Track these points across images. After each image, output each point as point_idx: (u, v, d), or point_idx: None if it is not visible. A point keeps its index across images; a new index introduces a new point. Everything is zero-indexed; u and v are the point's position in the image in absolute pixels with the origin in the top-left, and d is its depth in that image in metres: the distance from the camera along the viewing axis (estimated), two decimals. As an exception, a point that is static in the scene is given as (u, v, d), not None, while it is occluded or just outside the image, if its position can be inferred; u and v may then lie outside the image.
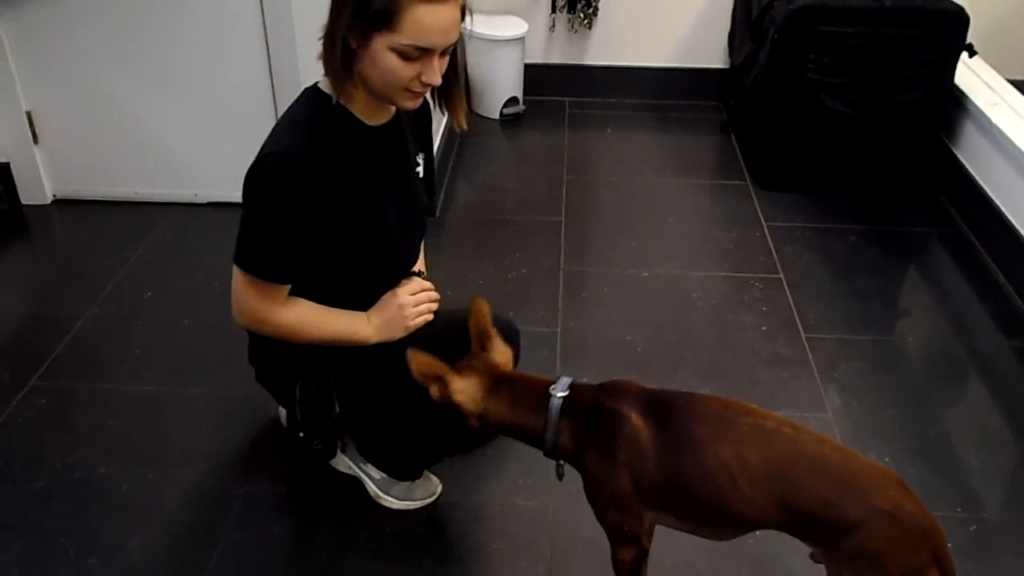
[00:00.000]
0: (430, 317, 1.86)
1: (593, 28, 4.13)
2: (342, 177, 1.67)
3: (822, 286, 2.95)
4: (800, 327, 2.73)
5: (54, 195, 3.34)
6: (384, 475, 2.10)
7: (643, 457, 1.50)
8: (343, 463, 2.15)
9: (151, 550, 2.00)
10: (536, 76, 4.17)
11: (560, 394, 1.57)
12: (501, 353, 1.66)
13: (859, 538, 1.40)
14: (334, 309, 1.81)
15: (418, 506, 2.09)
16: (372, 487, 2.11)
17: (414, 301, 1.85)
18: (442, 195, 3.37)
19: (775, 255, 3.09)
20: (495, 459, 2.24)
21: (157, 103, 3.15)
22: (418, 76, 1.60)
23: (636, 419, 1.51)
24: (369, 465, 2.11)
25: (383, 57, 1.56)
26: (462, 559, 1.99)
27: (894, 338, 2.75)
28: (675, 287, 2.93)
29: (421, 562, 1.98)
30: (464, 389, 1.59)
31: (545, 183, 3.55)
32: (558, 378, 1.60)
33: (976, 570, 1.99)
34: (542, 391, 1.59)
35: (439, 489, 2.13)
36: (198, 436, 2.28)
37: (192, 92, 3.11)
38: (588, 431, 1.55)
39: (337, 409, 1.87)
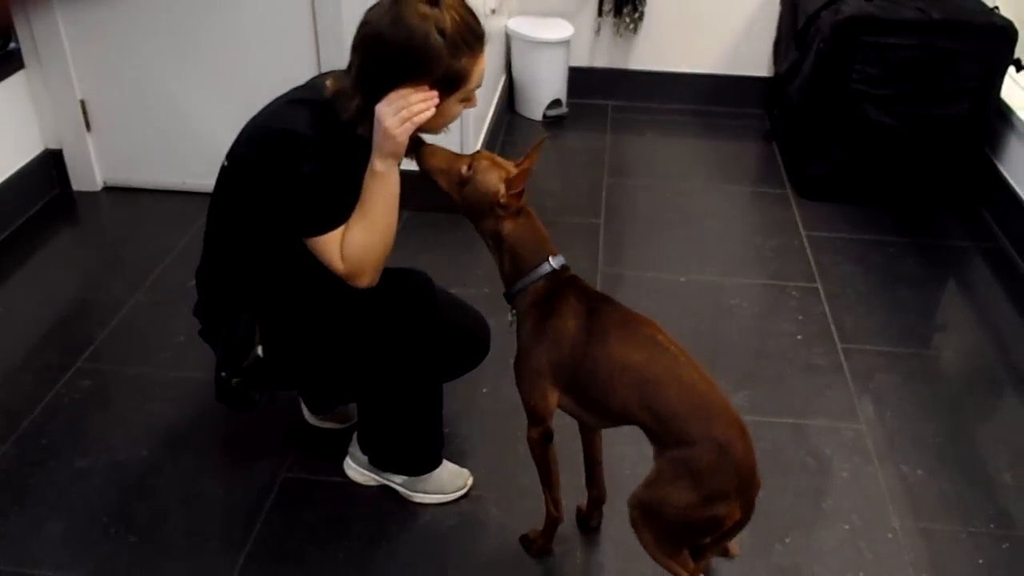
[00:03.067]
0: (427, 114, 1.70)
1: (638, 33, 4.14)
2: (339, 162, 1.76)
3: (860, 297, 2.94)
4: (836, 337, 2.73)
5: (104, 182, 3.42)
6: (405, 476, 2.13)
7: (562, 339, 1.72)
8: (366, 477, 2.17)
9: (189, 531, 2.05)
10: (580, 79, 4.19)
11: (555, 264, 1.76)
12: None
13: (689, 452, 1.62)
14: (356, 201, 1.79)
15: (450, 499, 2.12)
16: (401, 490, 2.14)
17: (394, 117, 1.69)
18: (482, 194, 3.40)
19: (813, 264, 3.09)
20: (526, 455, 2.26)
21: (207, 95, 3.21)
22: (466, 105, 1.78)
23: (573, 306, 1.74)
24: (388, 472, 2.14)
25: (454, 108, 1.76)
26: (493, 551, 2.02)
27: (931, 351, 2.74)
28: (712, 293, 2.94)
29: (452, 553, 2.01)
30: (514, 183, 1.73)
31: (585, 185, 3.57)
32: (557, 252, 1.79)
33: (1006, 587, 1.98)
34: (546, 247, 1.78)
35: (470, 482, 2.15)
36: (237, 423, 2.32)
37: (241, 86, 3.17)
38: (542, 303, 1.75)
39: (259, 353, 1.90)
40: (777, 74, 3.99)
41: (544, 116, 4.10)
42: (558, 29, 3.99)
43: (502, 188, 1.72)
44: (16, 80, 3.16)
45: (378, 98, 1.69)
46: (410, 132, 1.70)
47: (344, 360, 1.95)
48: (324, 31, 3.02)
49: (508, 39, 4.08)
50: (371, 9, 1.70)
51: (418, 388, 2.00)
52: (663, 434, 1.66)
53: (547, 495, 1.93)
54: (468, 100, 1.77)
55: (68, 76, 3.19)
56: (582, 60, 4.24)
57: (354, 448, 2.17)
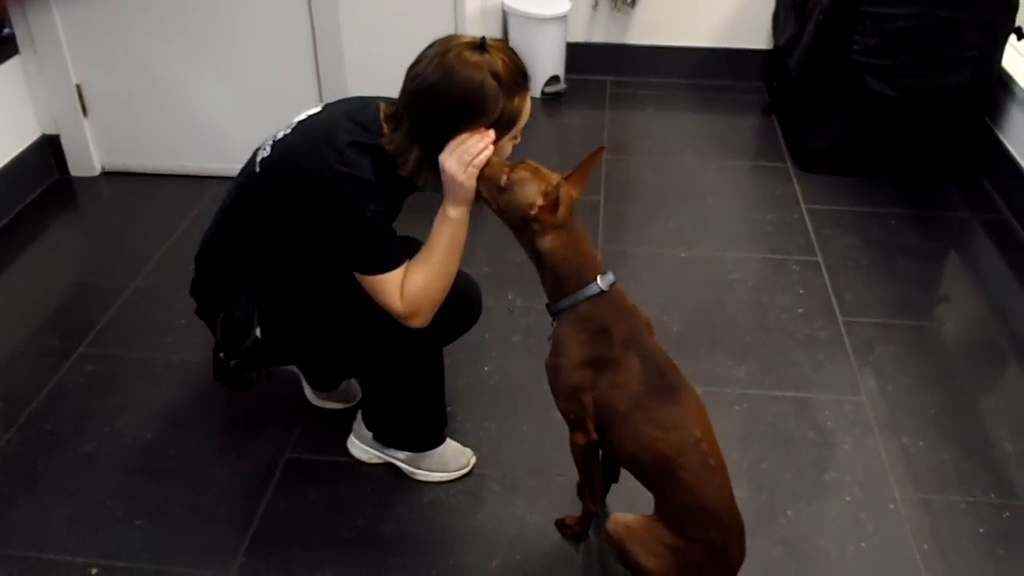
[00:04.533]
0: (487, 154, 1.73)
1: (636, 7, 4.12)
2: (393, 209, 1.84)
3: (860, 270, 2.93)
4: (837, 310, 2.73)
5: (102, 167, 3.42)
6: (408, 452, 2.14)
7: (602, 373, 1.70)
8: (369, 455, 2.18)
9: (195, 513, 2.06)
10: (578, 55, 4.17)
11: (603, 285, 1.71)
12: (578, 189, 1.77)
13: (684, 546, 1.68)
14: (424, 243, 1.84)
15: (453, 477, 2.14)
16: (404, 467, 2.15)
17: (459, 165, 1.73)
18: (482, 172, 3.39)
19: (814, 238, 3.08)
20: (529, 434, 2.27)
21: (204, 78, 3.20)
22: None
23: (619, 346, 1.69)
24: (391, 449, 2.15)
25: (507, 147, 1.79)
26: (497, 530, 2.03)
27: (932, 323, 2.74)
28: (713, 268, 2.94)
29: (456, 531, 2.03)
30: (566, 196, 1.70)
31: (584, 162, 3.56)
32: (606, 271, 1.73)
33: (1008, 556, 1.99)
34: (590, 267, 1.72)
35: (473, 460, 2.16)
36: (241, 404, 2.34)
37: (238, 67, 3.16)
38: (587, 324, 1.71)
39: (257, 334, 1.92)
40: (776, 46, 3.97)
41: (542, 92, 4.09)
42: (555, 4, 3.97)
43: (538, 200, 1.67)
44: (11, 66, 3.15)
45: (438, 148, 1.71)
46: (475, 176, 1.73)
47: (342, 334, 1.96)
48: (319, 13, 3.00)
49: (505, 15, 4.05)
50: (416, 64, 1.72)
51: (417, 356, 2.00)
52: (663, 503, 1.71)
53: (586, 492, 1.93)
54: (516, 137, 1.80)
55: (63, 61, 3.18)
56: (580, 35, 4.22)
57: (358, 425, 2.18)
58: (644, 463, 1.70)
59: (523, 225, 1.70)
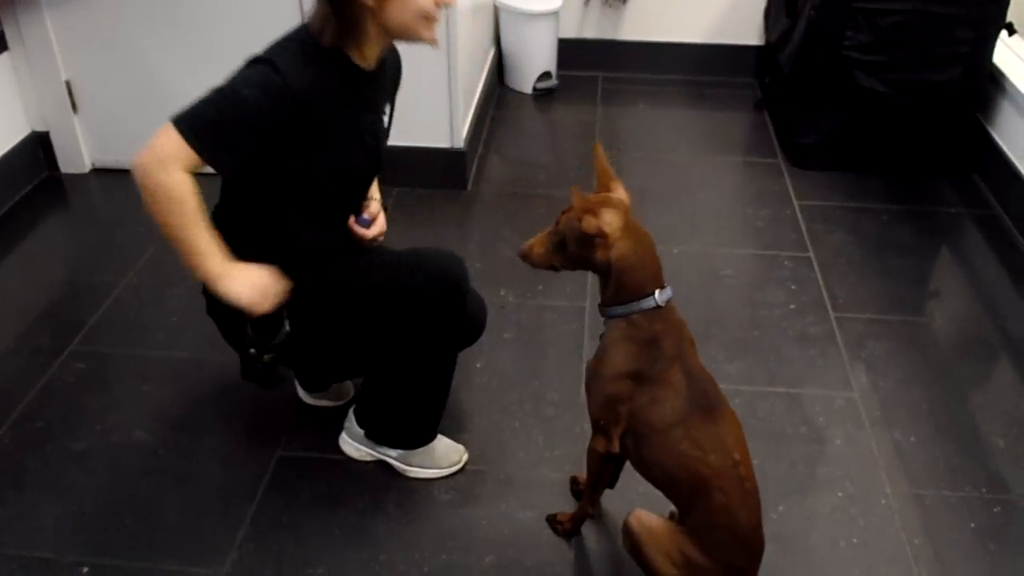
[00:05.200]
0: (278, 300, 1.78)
1: (627, 3, 4.12)
2: (322, 106, 1.73)
3: (852, 265, 2.94)
4: (829, 306, 2.73)
5: (93, 164, 3.40)
6: (400, 450, 2.14)
7: (644, 386, 1.68)
8: (361, 452, 2.18)
9: (187, 511, 2.06)
10: (570, 51, 4.17)
11: (660, 300, 1.68)
12: (622, 192, 1.75)
13: (705, 563, 1.67)
14: (206, 225, 1.73)
15: (445, 474, 2.13)
16: (396, 464, 2.15)
17: (273, 289, 1.78)
18: (474, 168, 3.39)
19: (806, 233, 3.09)
20: (522, 430, 2.27)
21: (195, 74, 3.13)
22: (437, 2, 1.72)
23: (666, 362, 1.68)
24: (383, 446, 2.15)
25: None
26: (489, 526, 2.03)
27: (923, 319, 2.75)
28: (705, 264, 2.94)
29: (449, 528, 2.02)
30: (612, 222, 1.66)
31: (577, 158, 3.56)
32: (665, 285, 1.71)
33: (999, 550, 2.00)
34: (655, 277, 1.71)
35: (465, 457, 2.16)
36: (232, 402, 2.33)
37: (229, 63, 3.12)
38: (638, 334, 1.69)
39: (287, 328, 1.88)
40: (768, 42, 3.97)
41: (534, 89, 4.08)
42: (547, 0, 3.96)
43: (611, 236, 1.65)
44: (0, 62, 3.13)
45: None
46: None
47: (369, 336, 1.94)
48: (309, 8, 2.98)
49: (497, 11, 4.05)
50: None
51: (435, 360, 2.00)
52: (690, 519, 1.70)
53: (587, 493, 1.93)
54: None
55: (52, 57, 3.16)
56: (571, 31, 4.21)
57: (350, 422, 2.17)
58: (678, 480, 1.69)
59: (591, 250, 1.67)
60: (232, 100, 1.68)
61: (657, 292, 1.69)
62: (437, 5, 1.72)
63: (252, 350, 1.90)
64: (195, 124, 1.67)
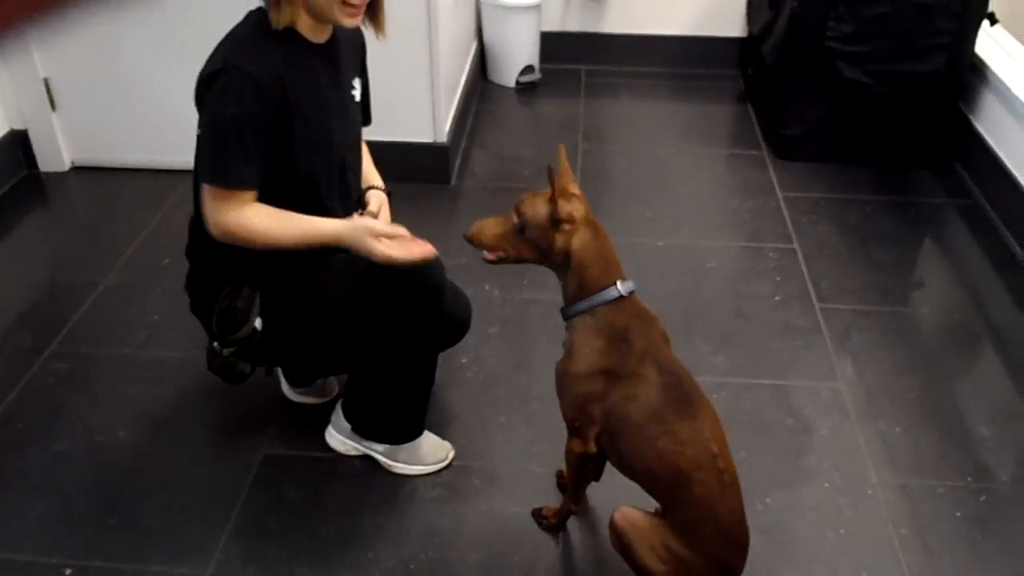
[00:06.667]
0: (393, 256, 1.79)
1: (610, -4, 4.11)
2: (289, 86, 1.76)
3: (837, 256, 2.94)
4: (814, 297, 2.73)
5: (72, 162, 3.37)
6: (386, 445, 2.13)
7: (616, 382, 1.68)
8: (347, 446, 2.17)
9: (171, 510, 2.04)
10: (552, 44, 4.15)
11: (623, 290, 1.69)
12: (578, 192, 1.75)
13: (690, 557, 1.67)
14: (301, 215, 1.83)
15: (431, 470, 2.12)
16: (381, 459, 2.14)
17: (385, 239, 1.81)
18: (458, 163, 3.38)
19: (790, 225, 3.09)
20: (507, 425, 2.26)
21: (174, 70, 3.14)
22: None
23: (637, 354, 1.68)
24: (369, 441, 2.14)
25: None
26: (476, 522, 2.02)
27: (908, 309, 2.75)
28: (689, 256, 2.94)
29: (435, 524, 2.01)
30: (579, 208, 1.69)
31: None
32: (625, 277, 1.72)
33: (985, 539, 2.00)
34: (616, 269, 1.72)
35: (451, 454, 2.15)
36: (215, 401, 2.31)
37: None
38: (604, 330, 1.69)
39: (257, 326, 1.88)
40: (751, 34, 3.97)
41: (517, 83, 4.07)
42: (529, -6, 3.95)
43: (549, 209, 1.66)
44: (-23, 60, 3.11)
45: None
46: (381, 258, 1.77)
47: (346, 336, 1.94)
48: None
49: (479, 5, 4.03)
50: None
51: (415, 357, 1.99)
52: (672, 514, 1.70)
53: (570, 491, 1.93)
54: None
55: (30, 55, 3.13)
56: (554, 25, 4.20)
57: (337, 416, 2.16)
58: (657, 476, 1.69)
59: (552, 238, 1.67)
60: (221, 125, 1.75)
61: (619, 283, 1.69)
62: None
63: (215, 343, 1.91)
64: (211, 167, 1.76)
